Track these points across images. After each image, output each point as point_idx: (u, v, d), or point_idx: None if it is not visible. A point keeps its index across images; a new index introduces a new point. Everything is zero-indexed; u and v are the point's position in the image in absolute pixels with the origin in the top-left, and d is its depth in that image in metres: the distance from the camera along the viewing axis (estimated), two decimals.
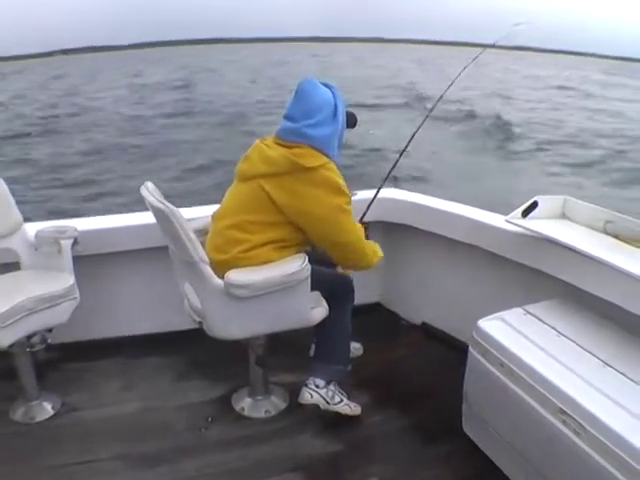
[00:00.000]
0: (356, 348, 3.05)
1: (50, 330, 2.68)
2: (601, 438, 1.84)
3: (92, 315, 3.00)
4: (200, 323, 2.51)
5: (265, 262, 2.39)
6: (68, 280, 2.65)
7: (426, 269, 3.22)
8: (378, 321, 3.48)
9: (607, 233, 2.58)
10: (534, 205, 2.70)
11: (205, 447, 2.52)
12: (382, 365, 2.82)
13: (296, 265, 2.37)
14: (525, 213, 2.69)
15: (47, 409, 2.72)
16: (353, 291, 2.68)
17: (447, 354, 3.22)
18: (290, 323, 2.55)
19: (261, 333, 2.57)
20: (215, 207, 2.73)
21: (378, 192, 3.01)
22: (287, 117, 2.44)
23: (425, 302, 3.33)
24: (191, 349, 3.12)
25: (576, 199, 2.77)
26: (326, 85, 2.45)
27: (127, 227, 3.06)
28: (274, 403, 2.78)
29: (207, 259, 2.31)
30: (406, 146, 2.99)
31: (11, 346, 2.50)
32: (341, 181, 2.39)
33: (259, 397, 2.77)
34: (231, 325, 2.44)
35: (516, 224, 2.67)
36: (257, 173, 2.39)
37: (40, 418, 2.68)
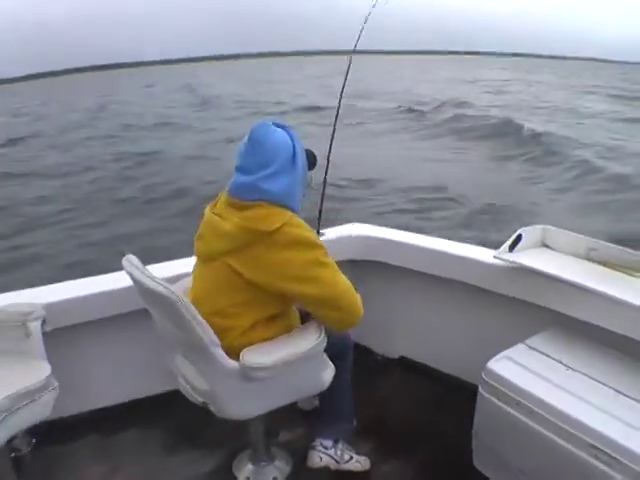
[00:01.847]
0: None
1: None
2: (635, 467, 1.94)
3: (60, 392, 2.73)
4: (204, 404, 2.34)
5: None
6: (44, 369, 2.36)
7: (401, 304, 3.22)
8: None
9: (593, 261, 2.69)
10: (519, 238, 2.76)
11: None
12: (372, 407, 2.79)
13: (314, 338, 2.24)
14: (511, 247, 2.75)
15: None
16: (352, 347, 2.60)
17: (433, 389, 3.25)
18: (306, 392, 2.46)
19: (278, 407, 2.44)
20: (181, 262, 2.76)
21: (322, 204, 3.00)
22: (240, 169, 2.17)
23: (402, 336, 3.33)
24: (173, 414, 2.96)
25: (554, 227, 2.87)
26: (280, 126, 2.19)
27: (93, 295, 2.79)
28: (279, 467, 2.67)
29: (218, 341, 2.13)
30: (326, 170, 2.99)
31: None
32: (311, 234, 2.17)
33: (263, 463, 2.65)
34: (246, 405, 2.29)
35: (505, 259, 2.72)
36: (216, 252, 2.16)
37: None
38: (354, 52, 3.04)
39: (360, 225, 3.30)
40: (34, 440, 2.47)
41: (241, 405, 2.30)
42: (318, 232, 2.97)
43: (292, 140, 2.17)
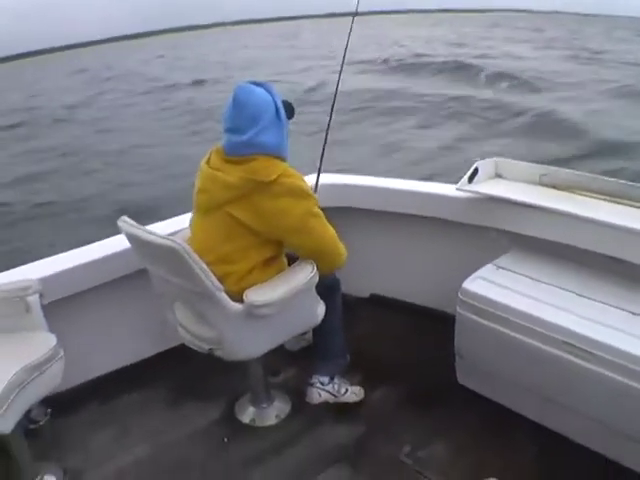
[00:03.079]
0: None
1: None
2: (607, 356, 2.22)
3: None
4: (210, 350, 2.47)
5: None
6: (50, 340, 2.39)
7: (369, 244, 3.36)
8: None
9: (544, 185, 2.95)
10: (476, 171, 2.98)
11: (240, 468, 2.52)
12: (352, 344, 2.93)
13: (308, 272, 2.42)
14: (470, 179, 2.97)
15: None
16: (339, 286, 2.78)
17: (408, 320, 3.46)
18: (302, 327, 2.64)
19: (278, 344, 2.59)
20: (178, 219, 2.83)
21: (318, 178, 3.09)
22: (231, 130, 2.31)
23: (372, 275, 3.49)
24: (173, 371, 3.06)
25: (506, 159, 3.11)
26: (258, 84, 2.34)
27: (84, 265, 2.82)
28: (279, 407, 2.82)
29: (222, 286, 2.27)
30: (328, 127, 3.08)
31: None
32: (304, 184, 2.36)
33: (264, 405, 2.80)
34: (251, 345, 2.45)
35: (466, 190, 2.95)
36: (221, 202, 2.30)
37: None
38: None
39: (325, 175, 3.45)
40: (49, 410, 2.54)
41: (247, 345, 2.45)
42: (318, 176, 3.10)
43: (272, 95, 2.32)
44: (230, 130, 2.32)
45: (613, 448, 2.37)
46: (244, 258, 2.35)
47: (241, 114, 2.28)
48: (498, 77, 23.29)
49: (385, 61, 29.82)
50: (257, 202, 2.27)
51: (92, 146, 16.39)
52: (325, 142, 3.11)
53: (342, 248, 2.49)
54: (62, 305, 2.70)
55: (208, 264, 2.24)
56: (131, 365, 3.13)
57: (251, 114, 2.27)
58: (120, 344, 3.09)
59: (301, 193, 2.32)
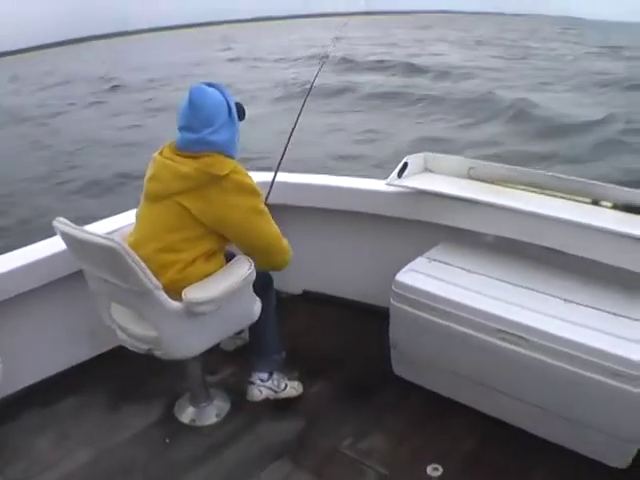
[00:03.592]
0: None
1: None
2: (539, 341, 2.32)
3: None
4: (149, 349, 2.45)
5: (201, 277, 2.40)
6: None
7: (300, 241, 3.38)
8: None
9: (472, 178, 3.03)
10: (405, 166, 3.04)
11: (183, 468, 2.50)
12: (288, 341, 2.93)
13: (245, 268, 2.45)
14: (400, 174, 3.03)
15: None
16: (272, 283, 2.80)
17: (341, 316, 3.50)
18: (240, 324, 2.65)
19: (217, 342, 2.59)
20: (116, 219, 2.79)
21: (275, 176, 3.11)
22: (185, 128, 2.40)
23: (304, 271, 3.49)
24: (108, 376, 3.02)
25: (434, 153, 3.19)
26: (212, 85, 2.44)
27: (16, 269, 2.74)
28: (220, 405, 2.81)
29: (160, 284, 2.26)
30: (293, 129, 3.11)
31: None
32: (252, 182, 2.44)
33: (203, 403, 2.78)
34: (190, 343, 2.44)
35: (396, 185, 3.00)
36: (172, 191, 2.35)
37: None
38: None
39: (253, 173, 3.46)
40: None
41: (186, 344, 2.44)
42: (275, 175, 3.13)
43: (225, 96, 2.43)
44: (184, 128, 2.41)
45: (551, 430, 2.47)
46: (188, 248, 2.39)
47: (196, 115, 2.37)
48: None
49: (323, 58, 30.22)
50: (208, 195, 2.34)
51: None
52: (288, 142, 3.13)
53: (286, 245, 2.57)
54: None
55: (152, 252, 2.34)
56: (69, 369, 3.07)
57: (205, 116, 2.37)
58: (57, 348, 3.02)
59: (249, 190, 2.41)
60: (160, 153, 2.47)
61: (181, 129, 2.42)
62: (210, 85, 2.43)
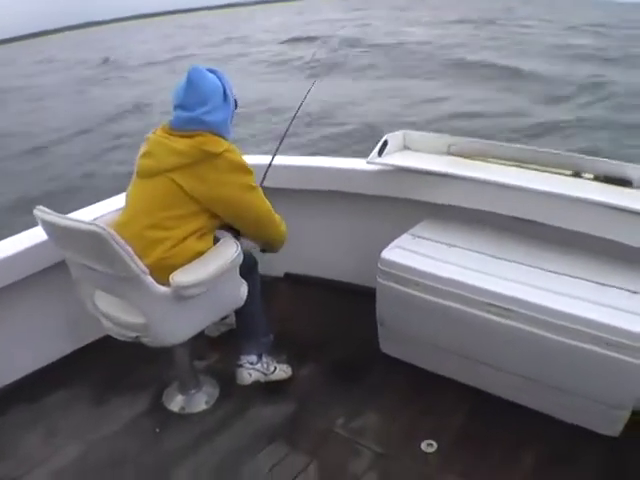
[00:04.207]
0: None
1: None
2: (525, 312, 2.35)
3: None
4: (137, 337, 2.41)
5: (192, 255, 2.38)
6: None
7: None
8: None
9: (451, 154, 3.04)
10: (385, 143, 3.04)
11: (175, 457, 2.47)
12: (273, 323, 2.91)
13: (233, 250, 2.43)
14: (380, 152, 3.02)
15: None
16: (257, 265, 2.78)
17: (325, 296, 3.49)
18: (227, 308, 2.62)
19: (205, 327, 2.56)
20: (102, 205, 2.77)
21: (273, 158, 3.07)
22: (180, 107, 2.43)
23: (285, 254, 3.48)
24: (93, 368, 2.97)
25: (414, 131, 3.18)
26: (212, 71, 2.48)
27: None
28: (209, 392, 2.78)
29: (147, 270, 2.22)
30: (297, 110, 3.08)
31: None
32: (244, 161, 2.47)
33: (192, 391, 2.75)
34: (178, 328, 2.40)
35: (377, 163, 3.00)
36: (166, 167, 2.35)
37: None
38: None
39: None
40: None
41: (175, 329, 2.40)
42: (273, 158, 3.09)
43: (222, 82, 2.47)
44: (180, 107, 2.43)
45: (541, 401, 2.49)
46: (179, 226, 2.38)
47: (192, 93, 2.41)
48: None
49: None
50: (202, 172, 2.36)
51: None
52: (289, 127, 3.09)
53: (278, 219, 2.64)
54: None
55: (143, 228, 2.35)
56: (54, 362, 3.02)
57: (201, 95, 2.40)
58: (41, 342, 2.97)
59: (242, 168, 2.45)
60: (154, 133, 2.48)
61: (176, 108, 2.45)
62: (210, 70, 2.48)
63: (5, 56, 51.24)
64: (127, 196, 2.54)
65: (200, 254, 2.40)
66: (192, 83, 2.40)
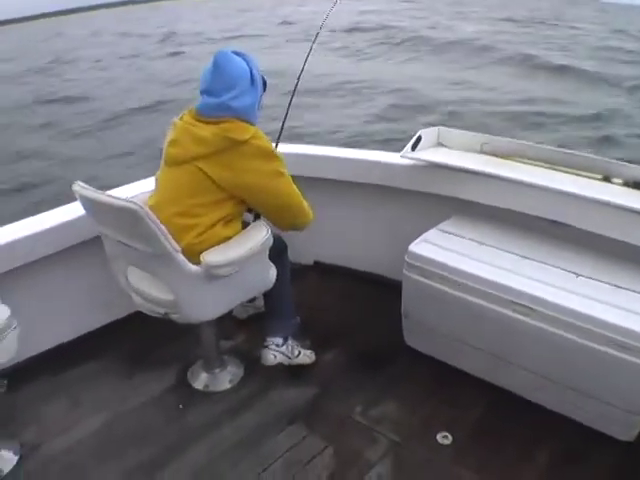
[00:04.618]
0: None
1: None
2: (548, 312, 2.36)
3: None
4: (166, 313, 2.48)
5: (220, 241, 2.42)
6: (2, 311, 2.33)
7: (314, 212, 3.44)
8: None
9: (484, 153, 3.07)
10: (419, 139, 3.07)
11: (197, 433, 2.54)
12: (300, 309, 2.98)
13: (263, 234, 2.48)
14: (413, 147, 3.06)
15: (9, 458, 2.42)
16: (286, 249, 2.84)
17: (353, 286, 3.54)
18: (256, 289, 2.68)
19: (233, 307, 2.63)
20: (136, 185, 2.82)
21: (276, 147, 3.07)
22: (207, 92, 2.42)
23: (316, 243, 3.52)
24: (120, 343, 3.07)
25: (448, 128, 3.22)
26: (238, 54, 2.45)
27: (34, 235, 2.77)
28: (233, 372, 2.86)
29: (179, 248, 2.29)
30: (291, 98, 3.06)
31: None
32: (271, 146, 2.47)
33: (217, 370, 2.82)
34: (207, 307, 2.47)
35: (410, 157, 3.04)
36: (192, 155, 2.37)
37: (7, 469, 2.38)
38: None
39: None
40: (6, 381, 2.49)
41: (203, 307, 2.47)
42: (276, 145, 3.04)
43: (249, 65, 2.44)
44: (206, 92, 2.43)
45: (559, 401, 2.51)
46: (207, 213, 2.41)
47: (219, 78, 2.39)
48: None
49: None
50: (228, 160, 2.36)
51: None
52: (287, 113, 3.12)
53: (307, 206, 2.61)
54: (12, 276, 2.66)
55: (172, 215, 2.36)
56: (84, 335, 3.11)
57: (228, 79, 2.39)
58: (72, 314, 3.06)
59: (270, 154, 2.44)
60: (181, 119, 2.48)
61: (202, 93, 2.44)
62: (236, 53, 2.45)
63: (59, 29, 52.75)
64: (156, 182, 2.59)
65: (228, 239, 2.44)
66: (219, 67, 2.39)
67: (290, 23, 36.92)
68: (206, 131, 2.36)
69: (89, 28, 47.86)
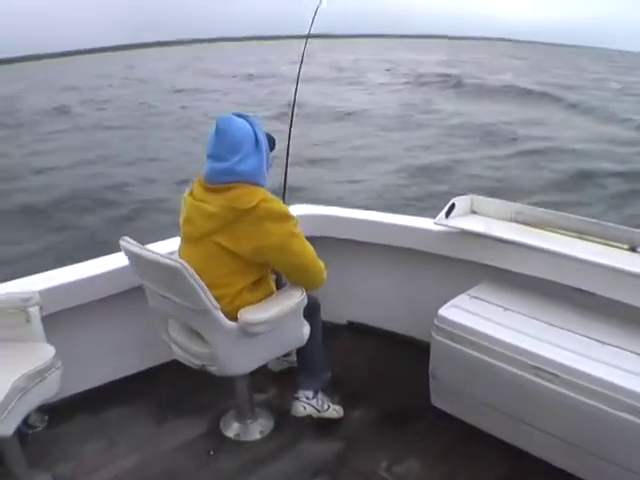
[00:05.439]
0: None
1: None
2: (572, 379, 2.42)
3: None
4: (203, 366, 2.62)
5: (250, 304, 2.53)
6: (48, 350, 2.50)
7: (348, 273, 3.47)
8: None
9: (516, 221, 3.17)
10: (453, 206, 3.19)
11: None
12: (331, 367, 3.06)
13: (298, 295, 2.61)
14: (447, 214, 3.18)
15: None
16: (319, 307, 2.94)
17: (384, 347, 3.64)
18: (290, 346, 2.80)
19: (267, 361, 2.76)
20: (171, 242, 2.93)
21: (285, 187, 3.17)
22: (212, 157, 2.47)
23: (350, 302, 3.64)
24: (158, 388, 3.19)
25: (481, 197, 3.33)
26: (240, 116, 2.50)
27: (82, 280, 2.95)
28: (264, 423, 2.96)
29: (218, 305, 2.42)
30: (288, 150, 3.17)
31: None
32: (283, 207, 2.51)
33: (249, 420, 2.93)
34: (242, 361, 2.60)
35: (443, 224, 3.15)
36: (205, 232, 2.46)
37: None
38: (309, 36, 3.29)
39: (305, 206, 3.65)
40: (47, 417, 2.64)
41: (239, 361, 2.60)
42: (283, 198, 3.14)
43: (252, 126, 2.49)
44: (212, 157, 2.48)
45: (580, 466, 2.54)
46: (233, 282, 2.51)
47: (222, 142, 2.45)
48: None
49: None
50: (240, 229, 2.42)
51: None
52: (286, 169, 3.20)
53: (321, 265, 2.64)
54: (59, 317, 2.81)
55: None
56: (122, 379, 3.25)
57: (231, 143, 2.44)
58: (113, 358, 3.20)
59: (281, 216, 2.47)
60: (190, 193, 2.56)
61: (209, 157, 2.50)
62: (239, 115, 2.51)
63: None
64: (179, 254, 2.64)
65: (258, 302, 2.56)
66: (221, 132, 2.43)
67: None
68: (214, 206, 2.42)
69: None
